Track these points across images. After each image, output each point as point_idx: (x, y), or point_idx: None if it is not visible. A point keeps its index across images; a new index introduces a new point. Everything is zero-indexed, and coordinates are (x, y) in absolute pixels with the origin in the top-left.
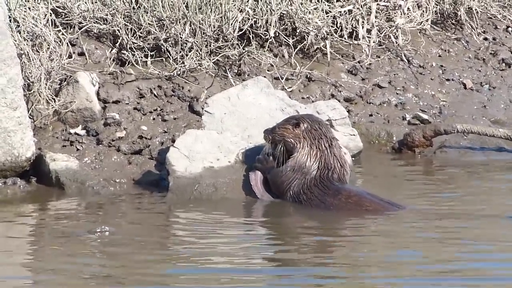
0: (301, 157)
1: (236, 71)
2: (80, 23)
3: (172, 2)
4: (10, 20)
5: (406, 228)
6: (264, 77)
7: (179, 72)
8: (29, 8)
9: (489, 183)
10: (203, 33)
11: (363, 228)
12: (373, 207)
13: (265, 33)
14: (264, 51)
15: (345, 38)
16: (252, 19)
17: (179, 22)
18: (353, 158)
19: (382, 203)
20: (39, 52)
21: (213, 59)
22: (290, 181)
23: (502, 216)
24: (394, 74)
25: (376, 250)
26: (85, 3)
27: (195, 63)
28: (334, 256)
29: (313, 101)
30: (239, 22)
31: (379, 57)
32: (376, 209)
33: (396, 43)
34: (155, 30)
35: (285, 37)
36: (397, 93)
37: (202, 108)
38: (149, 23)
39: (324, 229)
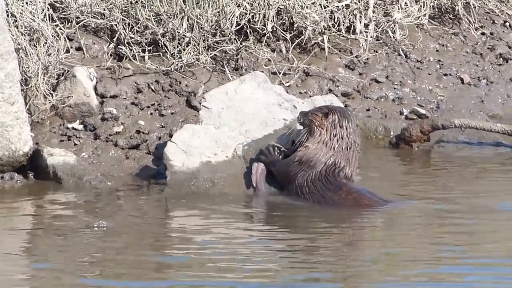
0: (313, 149)
1: (233, 66)
2: (78, 17)
3: None
4: (7, 15)
5: (404, 226)
6: (262, 72)
7: (176, 67)
8: (27, 3)
9: (487, 178)
10: (201, 27)
11: (360, 225)
12: (372, 205)
13: (262, 28)
14: (262, 46)
15: (342, 33)
16: (249, 14)
17: (177, 16)
18: None
19: (382, 202)
20: (36, 46)
21: (210, 54)
22: (296, 171)
23: (500, 210)
24: (392, 69)
25: (374, 248)
26: None
27: (193, 58)
28: (332, 254)
29: (310, 96)
30: (237, 17)
31: (376, 52)
32: (375, 208)
33: (394, 37)
34: (153, 24)
35: (283, 31)
36: (394, 88)
37: (200, 103)
38: (146, 18)
39: (322, 225)
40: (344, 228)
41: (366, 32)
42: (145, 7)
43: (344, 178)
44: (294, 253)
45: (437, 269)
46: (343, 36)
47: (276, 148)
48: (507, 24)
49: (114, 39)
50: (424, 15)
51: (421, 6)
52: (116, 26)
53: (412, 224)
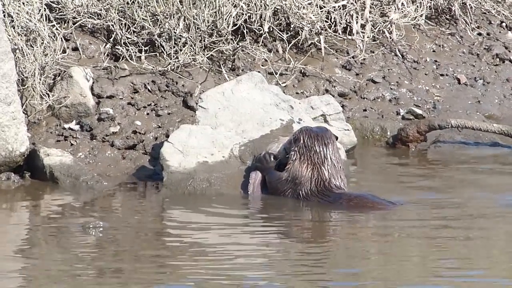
0: (295, 166)
1: (230, 66)
2: (74, 18)
3: None
4: (4, 15)
5: (402, 225)
6: (258, 72)
7: (173, 67)
8: (23, 3)
9: (483, 178)
10: (197, 28)
11: (358, 224)
12: (375, 208)
13: (259, 28)
14: (258, 46)
15: (339, 33)
16: (246, 14)
17: (173, 17)
18: (347, 153)
19: (384, 202)
20: (33, 47)
21: (207, 54)
22: (284, 189)
23: (497, 210)
24: (388, 69)
25: (372, 248)
26: None
27: (189, 58)
28: (330, 253)
29: (307, 96)
30: (233, 17)
31: (373, 52)
32: (378, 208)
33: (390, 38)
34: (149, 25)
35: (279, 32)
36: (391, 88)
37: (196, 103)
38: (143, 18)
39: (319, 225)
40: (342, 229)
41: (362, 32)
42: (141, 8)
43: (336, 188)
44: (290, 254)
45: (432, 271)
46: (339, 37)
47: (272, 155)
48: (504, 24)
49: (111, 40)
50: (421, 15)
51: (417, 6)
52: (113, 27)
53: (408, 226)
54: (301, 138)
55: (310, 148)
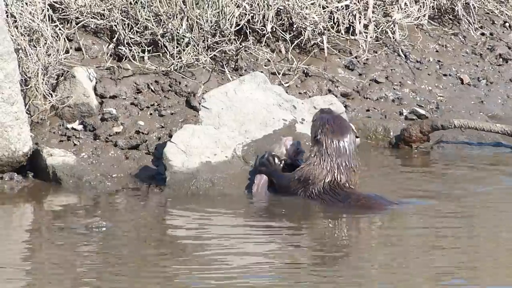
0: (308, 170)
1: (233, 66)
2: (77, 18)
3: None
4: (7, 15)
5: (404, 226)
6: (261, 72)
7: (176, 67)
8: (26, 3)
9: (486, 178)
10: (200, 28)
11: (360, 224)
12: (381, 208)
13: (262, 28)
14: (261, 46)
15: (342, 33)
16: (249, 14)
17: (176, 17)
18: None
19: (391, 204)
20: (36, 47)
21: (210, 54)
22: (297, 188)
23: (501, 211)
24: (391, 69)
25: (374, 247)
26: None
27: (192, 58)
28: (331, 253)
29: (310, 96)
30: (236, 17)
31: (376, 52)
32: (384, 209)
33: (393, 38)
34: (152, 25)
35: (282, 32)
36: (394, 88)
37: (199, 103)
38: (146, 18)
39: (322, 225)
40: (344, 229)
41: (365, 32)
42: (144, 8)
43: (348, 187)
44: (294, 254)
45: (434, 272)
46: (342, 37)
47: (276, 157)
48: (507, 24)
49: (114, 40)
50: (424, 15)
51: (420, 6)
52: (116, 27)
53: (411, 226)
54: (324, 143)
55: (332, 156)
